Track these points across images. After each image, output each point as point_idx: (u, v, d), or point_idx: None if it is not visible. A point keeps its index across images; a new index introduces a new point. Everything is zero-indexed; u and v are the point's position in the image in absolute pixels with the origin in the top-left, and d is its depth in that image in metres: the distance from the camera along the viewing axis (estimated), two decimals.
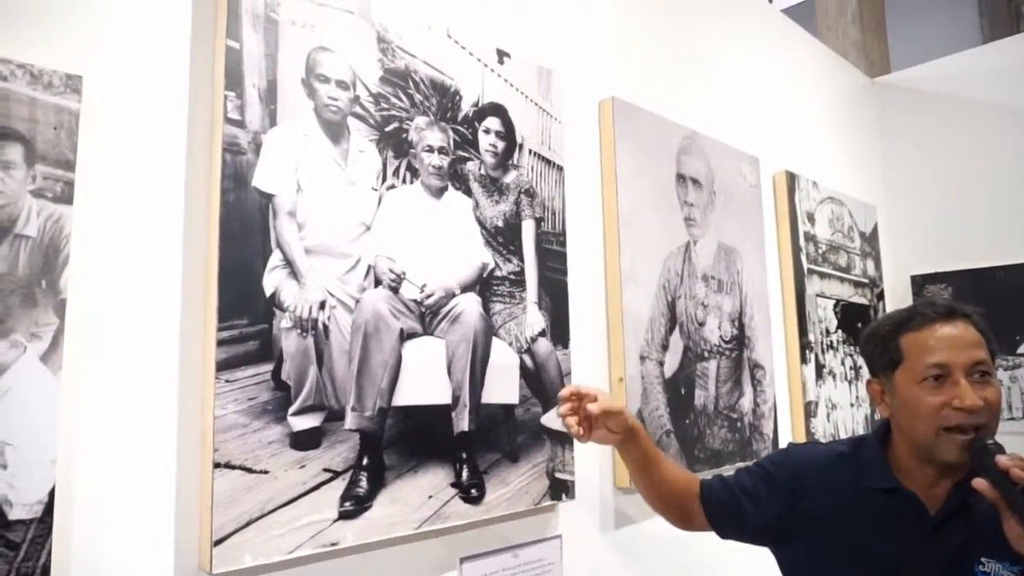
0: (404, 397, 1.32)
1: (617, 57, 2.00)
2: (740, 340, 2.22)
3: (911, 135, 3.45)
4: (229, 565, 1.04)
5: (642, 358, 1.84)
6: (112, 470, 1.00)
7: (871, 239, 3.19)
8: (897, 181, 3.46)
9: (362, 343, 1.27)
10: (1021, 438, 2.88)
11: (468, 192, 1.49)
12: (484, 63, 1.56)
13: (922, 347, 1.14)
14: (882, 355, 1.21)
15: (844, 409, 2.77)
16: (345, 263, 1.26)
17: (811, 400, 2.56)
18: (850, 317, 2.91)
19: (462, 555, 1.41)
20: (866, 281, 3.10)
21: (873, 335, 1.25)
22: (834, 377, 2.74)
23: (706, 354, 2.07)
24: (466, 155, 1.50)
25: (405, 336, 1.34)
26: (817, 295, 2.71)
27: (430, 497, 1.33)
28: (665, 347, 1.92)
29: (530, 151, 1.64)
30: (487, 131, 1.55)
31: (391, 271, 1.33)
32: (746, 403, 2.20)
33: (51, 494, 0.92)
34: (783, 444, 2.37)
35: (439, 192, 1.44)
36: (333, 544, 1.17)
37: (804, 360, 2.56)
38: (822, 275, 2.76)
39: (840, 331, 2.83)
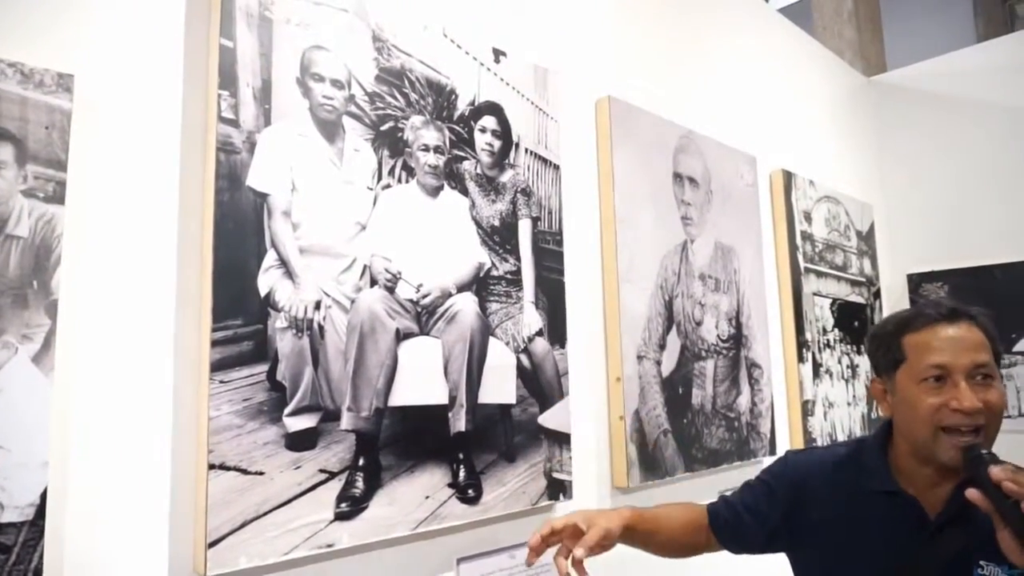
0: (400, 397, 1.31)
1: (614, 56, 2.00)
2: (737, 339, 2.22)
3: (907, 134, 3.45)
4: (224, 567, 1.04)
5: (639, 357, 1.84)
6: (105, 472, 0.99)
7: (867, 238, 3.19)
8: (893, 180, 3.46)
9: (358, 343, 1.26)
10: (1017, 437, 2.88)
11: (464, 191, 1.49)
12: (480, 62, 1.55)
13: (923, 347, 1.14)
14: (885, 355, 1.21)
15: (841, 408, 2.77)
16: (340, 263, 1.25)
17: (808, 399, 2.56)
18: (847, 316, 2.91)
19: (459, 556, 1.40)
20: (863, 280, 3.10)
21: (877, 334, 1.25)
22: (831, 376, 2.74)
23: (703, 353, 2.07)
24: (462, 154, 1.49)
25: (401, 336, 1.33)
26: (814, 294, 2.71)
27: (427, 498, 1.32)
28: (662, 346, 1.92)
29: (526, 150, 1.63)
30: (483, 130, 1.54)
31: (387, 271, 1.32)
32: (743, 402, 2.20)
33: (43, 497, 0.92)
34: (780, 443, 2.37)
35: (435, 191, 1.43)
36: (329, 545, 1.17)
37: (801, 359, 2.56)
38: (819, 274, 2.76)
39: (837, 330, 2.83)
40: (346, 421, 1.23)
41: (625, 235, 1.85)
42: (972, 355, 1.10)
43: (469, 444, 1.40)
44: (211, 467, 1.04)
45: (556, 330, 1.64)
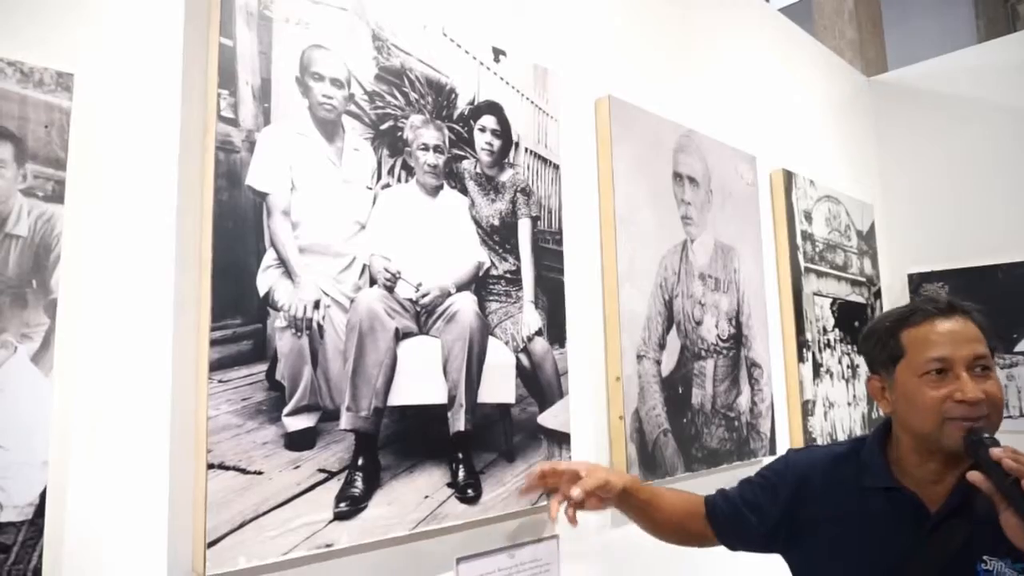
0: (400, 397, 1.31)
1: (614, 55, 1.99)
2: (737, 339, 2.22)
3: (908, 133, 3.45)
4: (223, 567, 1.04)
5: (639, 357, 1.84)
6: (104, 472, 0.99)
7: (868, 237, 3.19)
8: (894, 179, 3.46)
9: (357, 343, 1.26)
10: (1017, 436, 2.88)
11: (464, 191, 1.48)
12: (480, 61, 1.55)
13: (923, 342, 1.15)
14: (883, 351, 1.22)
15: (841, 408, 2.77)
16: (340, 262, 1.25)
17: (808, 399, 2.56)
18: (847, 316, 2.90)
19: (459, 555, 1.40)
20: (863, 280, 3.09)
21: (873, 331, 1.26)
22: (831, 376, 2.74)
23: (703, 353, 2.07)
24: (462, 153, 1.49)
25: (400, 335, 1.33)
26: (814, 294, 2.71)
27: (426, 497, 1.32)
28: (662, 346, 1.92)
29: (526, 149, 1.63)
30: (483, 129, 1.54)
31: (386, 270, 1.32)
32: (743, 402, 2.20)
33: (42, 496, 0.91)
34: (780, 443, 2.37)
35: (434, 191, 1.43)
36: (328, 545, 1.17)
37: (801, 359, 2.55)
38: (819, 274, 2.76)
39: (837, 330, 2.83)
40: (345, 421, 1.23)
41: (625, 234, 1.85)
42: (971, 347, 1.12)
43: (468, 444, 1.40)
44: (210, 466, 1.04)
45: (556, 329, 1.64)
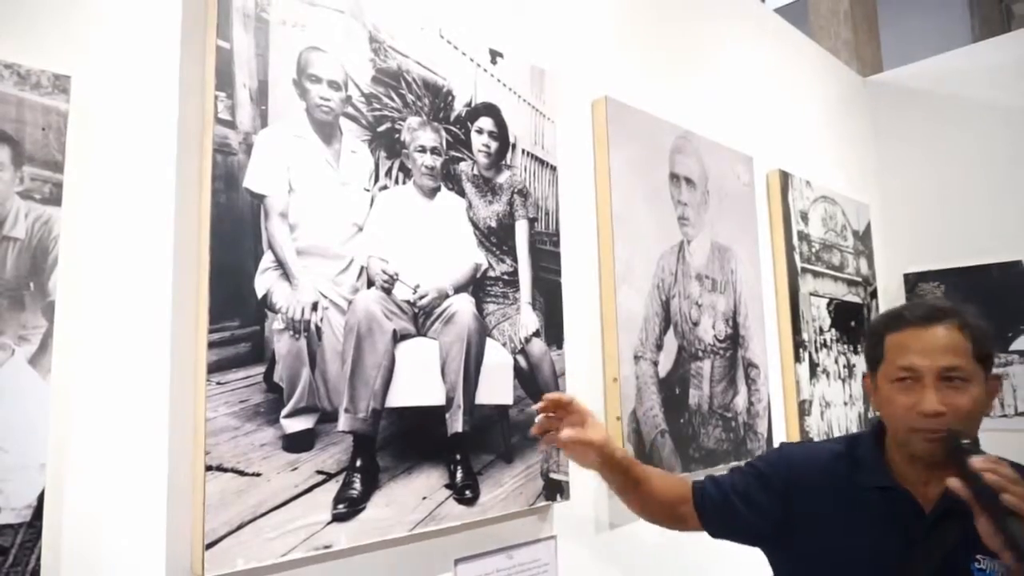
0: (398, 398, 1.31)
1: (610, 57, 2.00)
2: (734, 339, 2.23)
3: (903, 134, 3.46)
4: (221, 568, 1.04)
5: (636, 358, 1.84)
6: (102, 474, 0.99)
7: (864, 237, 3.19)
8: (890, 179, 3.47)
9: (355, 344, 1.26)
10: (1013, 435, 2.89)
11: (461, 192, 1.49)
12: (477, 63, 1.55)
13: (899, 348, 1.17)
14: (871, 351, 1.24)
15: (838, 408, 2.77)
16: (337, 264, 1.26)
17: (805, 399, 2.56)
18: (843, 316, 2.91)
19: (456, 557, 1.40)
20: (859, 280, 3.10)
21: (869, 331, 1.28)
22: (828, 376, 2.75)
23: (700, 353, 2.07)
24: (459, 155, 1.49)
25: (398, 337, 1.33)
26: (811, 294, 2.71)
27: (424, 499, 1.32)
28: (659, 347, 1.92)
29: (523, 151, 1.64)
30: (480, 131, 1.54)
31: (384, 272, 1.33)
32: (740, 402, 2.20)
33: (40, 498, 0.91)
34: (777, 443, 2.37)
35: (432, 192, 1.44)
36: (326, 547, 1.17)
37: (798, 359, 2.56)
38: (816, 274, 2.77)
39: (834, 330, 2.83)
40: (343, 422, 1.23)
41: (622, 235, 1.85)
42: (941, 359, 1.11)
43: (466, 445, 1.41)
44: (208, 468, 1.04)
45: (553, 331, 1.64)
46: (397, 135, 1.38)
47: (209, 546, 1.03)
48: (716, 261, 2.20)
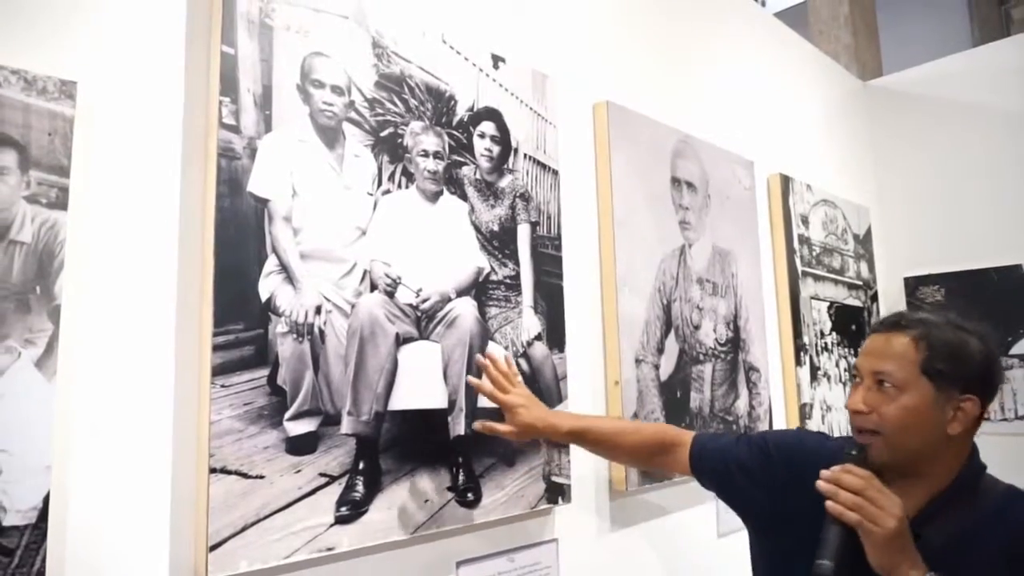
0: (400, 401, 1.32)
1: (611, 61, 2.01)
2: (735, 343, 2.23)
3: (903, 137, 3.47)
4: (225, 570, 1.04)
5: (638, 361, 1.85)
6: (107, 476, 1.00)
7: (864, 241, 3.20)
8: (890, 183, 3.48)
9: (358, 347, 1.27)
10: (1014, 439, 2.90)
11: (463, 196, 1.49)
12: (479, 68, 1.56)
13: (860, 350, 1.21)
14: None
15: (839, 411, 2.77)
16: (341, 268, 1.26)
17: (806, 402, 2.57)
18: (844, 319, 2.92)
19: (458, 559, 1.41)
20: (860, 283, 3.11)
21: None
22: (828, 379, 2.75)
23: (701, 357, 2.08)
24: (461, 160, 1.50)
25: (401, 340, 1.34)
26: (811, 297, 2.72)
27: (426, 501, 1.33)
28: (661, 350, 1.93)
29: (525, 155, 1.64)
30: (482, 136, 1.55)
31: (387, 275, 1.33)
32: (741, 405, 2.21)
33: (46, 500, 0.92)
34: None
35: (434, 197, 1.44)
36: (329, 549, 1.17)
37: (799, 362, 2.57)
38: (816, 277, 2.77)
39: (834, 333, 2.84)
40: (346, 425, 1.23)
41: (623, 239, 1.86)
42: (876, 362, 1.14)
43: (468, 448, 1.41)
44: (212, 471, 1.05)
45: (555, 334, 1.65)
46: (400, 139, 1.39)
47: (213, 548, 1.03)
48: (717, 265, 2.20)
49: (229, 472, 1.07)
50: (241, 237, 1.13)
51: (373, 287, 1.31)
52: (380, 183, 1.35)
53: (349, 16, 1.33)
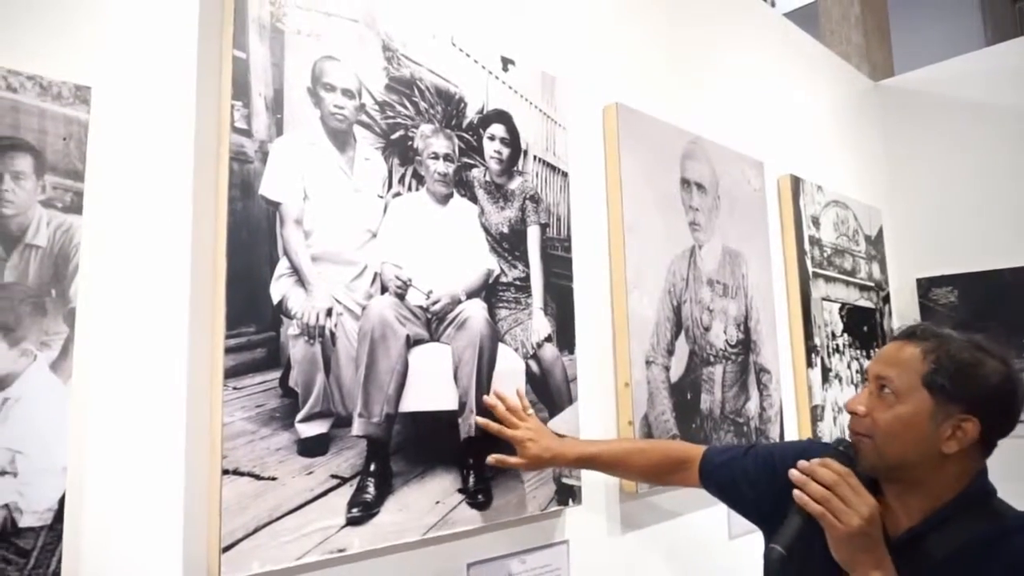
0: (411, 403, 1.32)
1: (621, 63, 2.01)
2: (746, 344, 2.22)
3: (915, 138, 3.45)
4: (237, 571, 1.05)
5: (648, 363, 1.84)
6: (121, 477, 1.00)
7: (876, 242, 3.18)
8: (902, 184, 3.46)
9: (369, 350, 1.27)
10: (1015, 439, 2.86)
11: (473, 199, 1.50)
12: (489, 70, 1.57)
13: None
14: None
15: None
16: (352, 270, 1.27)
17: (817, 404, 2.55)
18: (856, 321, 2.90)
19: (469, 561, 1.41)
20: (872, 284, 3.09)
21: None
22: (840, 381, 2.73)
23: (712, 358, 2.07)
24: (471, 162, 1.50)
25: (411, 342, 1.34)
26: (823, 299, 2.70)
27: (437, 503, 1.33)
28: (671, 352, 1.92)
29: (535, 157, 1.65)
30: (492, 138, 1.55)
31: (397, 278, 1.34)
32: (752, 407, 2.20)
33: (61, 502, 0.93)
34: None
35: (444, 199, 1.45)
36: (341, 550, 1.18)
37: (810, 364, 2.55)
38: (827, 279, 2.76)
39: (846, 335, 2.82)
40: (357, 427, 1.24)
41: (633, 241, 1.85)
42: (880, 367, 1.14)
43: (479, 449, 1.41)
44: (225, 472, 1.06)
45: (565, 336, 1.65)
46: (410, 142, 1.40)
47: (226, 549, 1.04)
48: (727, 266, 2.20)
49: (242, 474, 1.07)
50: (253, 240, 1.14)
51: (384, 289, 1.31)
52: (391, 186, 1.35)
53: (359, 20, 1.34)
